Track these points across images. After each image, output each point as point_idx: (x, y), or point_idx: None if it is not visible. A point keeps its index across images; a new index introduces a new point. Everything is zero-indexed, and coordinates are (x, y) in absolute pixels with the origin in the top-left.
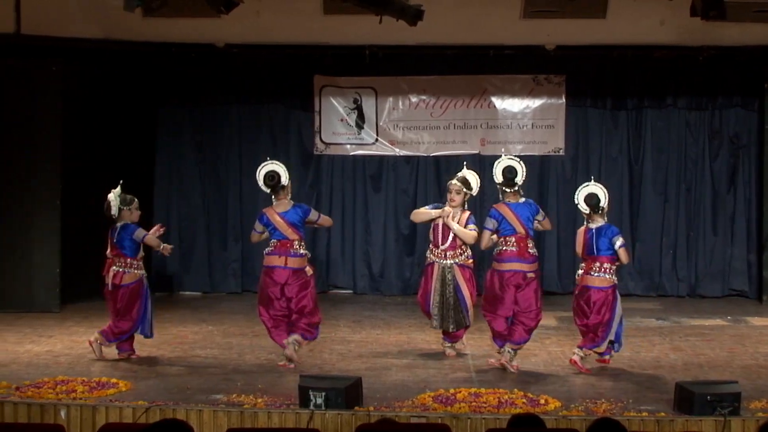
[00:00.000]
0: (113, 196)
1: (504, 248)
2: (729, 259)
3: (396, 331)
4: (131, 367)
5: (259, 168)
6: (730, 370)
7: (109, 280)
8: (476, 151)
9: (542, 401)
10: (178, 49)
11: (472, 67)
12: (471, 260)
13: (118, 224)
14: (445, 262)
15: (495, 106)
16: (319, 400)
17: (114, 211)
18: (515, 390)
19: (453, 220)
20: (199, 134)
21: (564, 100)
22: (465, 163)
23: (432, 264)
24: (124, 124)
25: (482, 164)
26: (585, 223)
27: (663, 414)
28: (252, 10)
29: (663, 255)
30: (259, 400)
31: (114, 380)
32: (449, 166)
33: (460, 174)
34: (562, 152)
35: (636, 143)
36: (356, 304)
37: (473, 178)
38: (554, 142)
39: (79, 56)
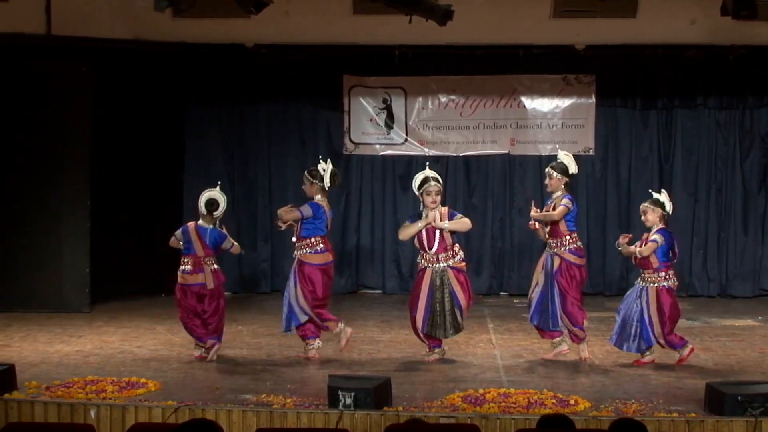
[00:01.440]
0: (221, 195)
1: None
2: (760, 259)
3: None
4: (161, 367)
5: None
6: (761, 371)
7: (210, 280)
8: (506, 151)
9: (572, 402)
10: (207, 49)
11: (501, 67)
12: (464, 263)
13: (207, 227)
14: (438, 265)
15: (524, 106)
16: (348, 401)
17: (221, 211)
18: (545, 390)
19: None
20: (227, 135)
21: (594, 99)
22: (427, 163)
23: (424, 270)
24: (153, 124)
25: (512, 164)
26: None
27: (693, 414)
28: (281, 10)
29: (693, 255)
30: (288, 401)
31: (143, 380)
32: (479, 166)
33: (431, 174)
34: (591, 152)
35: (666, 143)
36: (385, 304)
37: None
38: (584, 142)
39: (109, 57)
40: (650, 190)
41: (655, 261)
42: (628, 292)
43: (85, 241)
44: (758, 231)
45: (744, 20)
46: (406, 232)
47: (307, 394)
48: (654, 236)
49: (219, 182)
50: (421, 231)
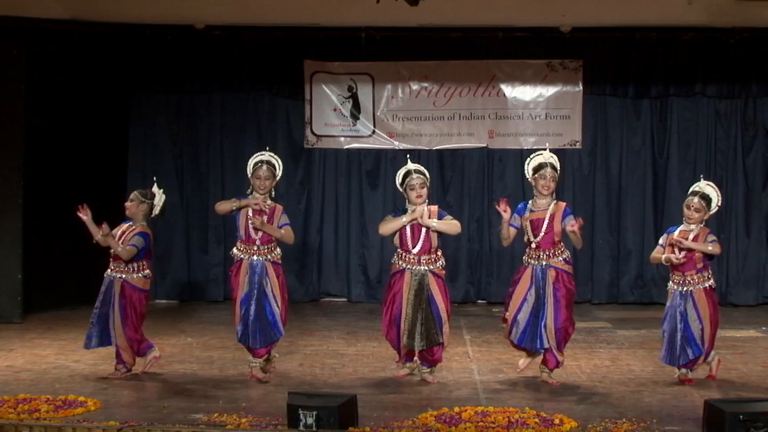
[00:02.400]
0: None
1: None
2: (764, 263)
3: None
4: (101, 384)
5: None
6: (764, 387)
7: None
8: (484, 145)
9: (557, 421)
10: (153, 30)
11: (479, 51)
12: (444, 270)
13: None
14: (418, 268)
15: (505, 95)
16: (310, 420)
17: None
18: (527, 409)
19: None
20: (176, 125)
21: (581, 87)
22: (408, 155)
23: (402, 271)
24: (93, 113)
25: (490, 158)
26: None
27: None
28: None
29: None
30: (244, 420)
31: (82, 398)
32: (454, 160)
33: (412, 167)
34: (579, 145)
35: (660, 135)
36: (350, 314)
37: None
38: (570, 134)
39: (44, 38)
40: (701, 177)
41: (700, 261)
42: (668, 305)
43: (17, 244)
44: (762, 232)
45: (746, 0)
46: (389, 226)
47: (264, 413)
48: (711, 235)
49: (154, 178)
50: (404, 227)
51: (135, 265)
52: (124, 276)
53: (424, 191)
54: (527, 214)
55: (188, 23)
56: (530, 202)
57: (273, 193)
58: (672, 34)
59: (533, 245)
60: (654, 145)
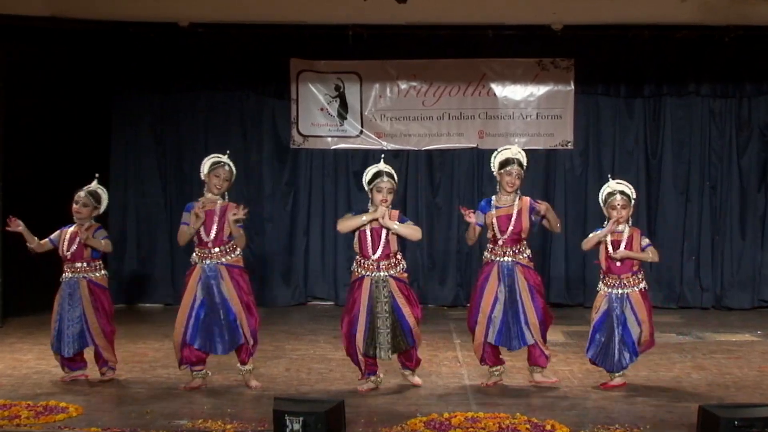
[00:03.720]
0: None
1: None
2: (759, 266)
3: None
4: (82, 389)
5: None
6: (760, 392)
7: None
8: (474, 145)
9: (548, 427)
10: (135, 28)
11: (469, 50)
12: (406, 273)
13: None
14: (378, 274)
15: (495, 94)
16: (296, 426)
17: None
18: (518, 414)
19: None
20: (159, 125)
21: (573, 86)
22: (383, 156)
23: (360, 279)
24: (75, 113)
25: (480, 159)
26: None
27: None
28: None
29: (684, 262)
30: (228, 426)
31: (63, 404)
32: (443, 161)
33: (384, 168)
34: (570, 146)
35: (654, 135)
36: (338, 318)
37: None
38: (562, 135)
39: (23, 36)
40: (609, 176)
41: (636, 263)
42: (603, 308)
43: None
44: (757, 234)
45: None
46: (348, 223)
47: (249, 419)
48: (645, 238)
49: (96, 174)
50: (364, 231)
51: (95, 263)
52: (87, 276)
53: (391, 197)
54: (493, 211)
55: (172, 21)
56: (493, 198)
57: (226, 196)
58: (665, 33)
59: (500, 242)
60: (647, 145)
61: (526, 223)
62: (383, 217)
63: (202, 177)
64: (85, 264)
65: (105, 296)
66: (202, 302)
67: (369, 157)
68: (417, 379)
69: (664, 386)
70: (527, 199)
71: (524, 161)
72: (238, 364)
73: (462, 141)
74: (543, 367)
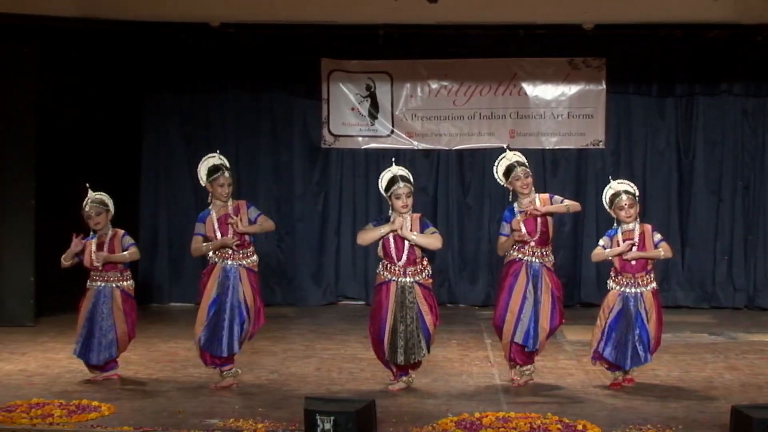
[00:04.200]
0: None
1: None
2: None
3: None
4: (115, 389)
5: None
6: None
7: None
8: (504, 144)
9: (580, 427)
10: (166, 29)
11: (499, 49)
12: (431, 279)
13: None
14: (404, 280)
15: (526, 94)
16: (327, 425)
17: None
18: (549, 414)
19: (409, 230)
20: (190, 126)
21: (604, 86)
22: (393, 159)
23: (387, 283)
24: (105, 114)
25: None
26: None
27: None
28: None
29: (717, 262)
30: (260, 425)
31: (96, 403)
32: (474, 161)
33: (399, 172)
34: (602, 145)
35: (686, 135)
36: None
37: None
38: (593, 134)
39: (55, 37)
40: (610, 177)
41: (650, 262)
42: (617, 307)
43: (30, 246)
44: None
45: None
46: (368, 236)
47: (280, 419)
48: (657, 234)
49: (87, 184)
50: (387, 239)
51: (126, 273)
52: (120, 285)
53: (410, 201)
54: (518, 216)
55: (203, 21)
56: (515, 205)
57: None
58: (697, 31)
59: (531, 243)
60: (679, 145)
61: (551, 220)
62: (401, 229)
63: (203, 184)
64: (118, 273)
65: (133, 307)
66: (213, 301)
67: (400, 156)
68: (399, 386)
69: (696, 387)
70: (545, 196)
71: (524, 159)
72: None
73: (493, 140)
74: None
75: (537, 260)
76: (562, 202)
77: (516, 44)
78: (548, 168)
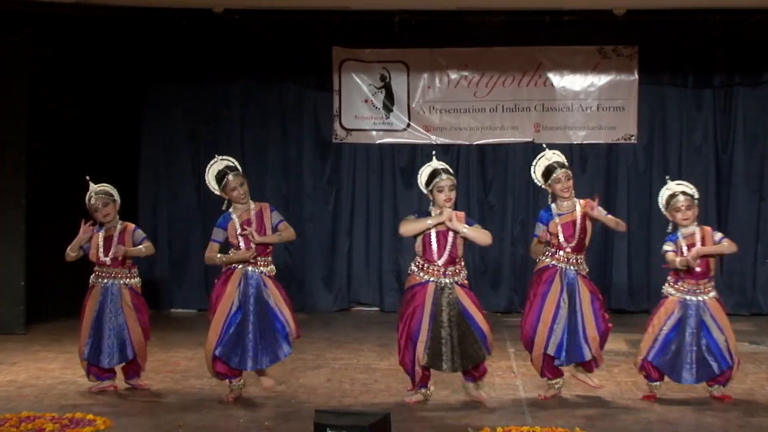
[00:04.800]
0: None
1: None
2: None
3: None
4: (111, 401)
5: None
6: None
7: None
8: (529, 139)
9: None
10: (167, 15)
11: (524, 37)
12: (466, 280)
13: None
14: (444, 280)
15: (552, 84)
16: None
17: None
18: (577, 429)
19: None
20: (193, 118)
21: (636, 76)
22: (434, 152)
23: (423, 284)
24: (103, 106)
25: (536, 154)
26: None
27: None
28: None
29: (758, 265)
30: None
31: (90, 416)
32: (497, 156)
33: (439, 166)
34: (634, 140)
35: (724, 128)
36: (384, 325)
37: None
38: (624, 128)
39: (49, 25)
40: (667, 177)
41: (714, 268)
42: (676, 314)
43: (20, 248)
44: None
45: None
46: (412, 227)
47: None
48: (717, 233)
49: (87, 177)
50: (428, 234)
51: (134, 270)
52: (128, 283)
53: (454, 194)
54: (556, 219)
55: (206, 7)
56: (552, 207)
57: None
58: (737, 17)
59: (567, 249)
60: (717, 139)
61: (590, 226)
62: (450, 220)
63: (217, 193)
64: (126, 270)
65: (144, 305)
66: (237, 311)
67: (417, 152)
68: (482, 394)
69: (736, 399)
70: (587, 200)
71: (564, 160)
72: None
73: (516, 135)
74: (590, 371)
75: (572, 267)
76: (606, 214)
77: (542, 31)
78: (576, 164)
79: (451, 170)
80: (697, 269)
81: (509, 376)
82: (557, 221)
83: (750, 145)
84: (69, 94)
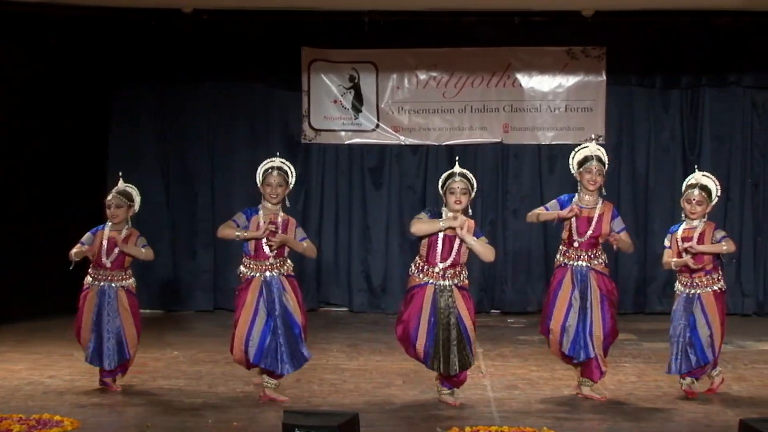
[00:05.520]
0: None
1: None
2: None
3: (400, 357)
4: (78, 401)
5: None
6: None
7: None
8: (498, 140)
9: None
10: (134, 15)
11: (493, 38)
12: (467, 281)
13: None
14: (443, 283)
15: (521, 85)
16: None
17: None
18: (545, 429)
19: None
20: (161, 119)
21: (604, 77)
22: (458, 158)
23: (423, 286)
24: (70, 106)
25: (505, 155)
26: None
27: None
28: None
29: (724, 265)
30: None
31: (58, 417)
32: (466, 157)
33: (457, 170)
34: (602, 140)
35: (691, 129)
36: (352, 325)
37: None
38: (593, 128)
39: (14, 24)
40: (696, 168)
41: (710, 261)
42: (674, 308)
43: None
44: None
45: None
46: (424, 227)
47: None
48: (719, 231)
49: (120, 173)
50: (435, 237)
51: (128, 270)
52: (125, 285)
53: (465, 199)
54: (574, 206)
55: (174, 7)
56: (575, 196)
57: (287, 203)
58: (704, 19)
59: (575, 244)
60: (684, 140)
61: (606, 229)
62: (461, 228)
63: (259, 186)
64: (123, 272)
65: (137, 307)
66: (267, 319)
67: (386, 152)
68: (456, 401)
69: (702, 398)
70: (611, 205)
71: (605, 158)
72: (269, 378)
73: (485, 135)
74: (594, 381)
75: (584, 263)
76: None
77: (511, 32)
78: (544, 164)
79: (470, 176)
80: (699, 266)
81: (477, 376)
82: (575, 208)
83: (717, 145)
84: (34, 95)
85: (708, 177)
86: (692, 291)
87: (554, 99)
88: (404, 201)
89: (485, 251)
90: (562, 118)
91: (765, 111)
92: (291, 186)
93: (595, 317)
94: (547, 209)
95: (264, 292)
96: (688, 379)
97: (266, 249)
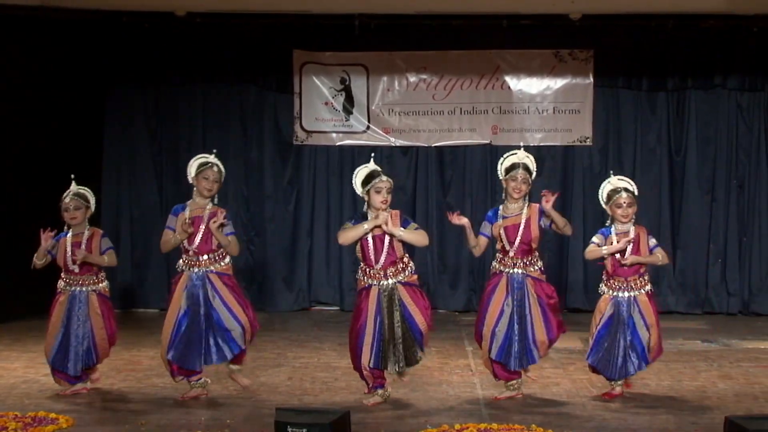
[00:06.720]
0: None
1: None
2: None
3: None
4: (73, 399)
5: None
6: None
7: None
8: (487, 141)
9: None
10: (129, 18)
11: (482, 41)
12: (415, 275)
13: None
14: (385, 282)
15: (509, 87)
16: None
17: None
18: (533, 426)
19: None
20: (155, 120)
21: (591, 79)
22: (372, 154)
23: (367, 288)
24: (64, 108)
25: (494, 156)
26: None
27: None
28: None
29: (710, 265)
30: None
31: (53, 415)
32: (455, 158)
33: (373, 167)
34: (589, 142)
35: (677, 131)
36: (343, 324)
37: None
38: (580, 130)
39: (9, 26)
40: (611, 172)
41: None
42: (608, 312)
43: None
44: None
45: None
46: (349, 235)
47: (250, 431)
48: (652, 239)
49: (72, 175)
50: (365, 239)
51: (101, 274)
52: (96, 288)
53: (390, 197)
54: (500, 221)
55: (168, 10)
56: (500, 207)
57: (216, 199)
58: (690, 22)
59: (510, 253)
60: (670, 141)
61: (535, 232)
62: (386, 224)
63: (190, 180)
64: (93, 276)
65: (110, 309)
66: (185, 313)
67: (376, 153)
68: (375, 400)
69: (688, 396)
70: (536, 206)
71: (532, 166)
72: (230, 364)
73: (474, 137)
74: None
75: (519, 271)
76: (544, 211)
77: (499, 35)
78: None
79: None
80: (626, 267)
81: (467, 374)
82: (500, 223)
83: (702, 147)
84: (32, 95)
85: (624, 179)
86: (628, 294)
87: (542, 101)
88: (395, 202)
89: (417, 238)
90: (549, 120)
91: (750, 113)
92: (222, 183)
93: (536, 324)
94: (485, 235)
95: (188, 286)
96: (620, 381)
97: (188, 244)
